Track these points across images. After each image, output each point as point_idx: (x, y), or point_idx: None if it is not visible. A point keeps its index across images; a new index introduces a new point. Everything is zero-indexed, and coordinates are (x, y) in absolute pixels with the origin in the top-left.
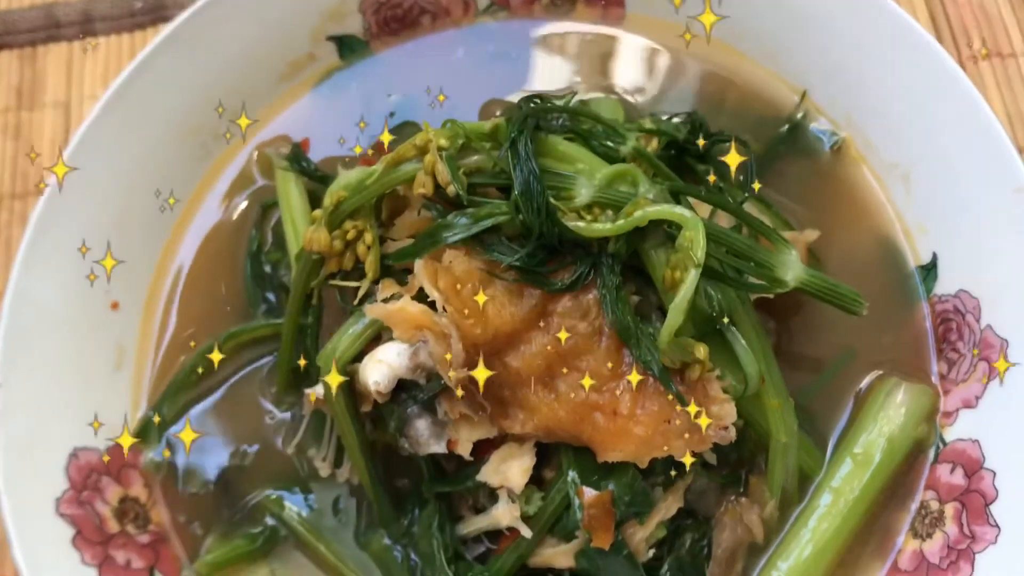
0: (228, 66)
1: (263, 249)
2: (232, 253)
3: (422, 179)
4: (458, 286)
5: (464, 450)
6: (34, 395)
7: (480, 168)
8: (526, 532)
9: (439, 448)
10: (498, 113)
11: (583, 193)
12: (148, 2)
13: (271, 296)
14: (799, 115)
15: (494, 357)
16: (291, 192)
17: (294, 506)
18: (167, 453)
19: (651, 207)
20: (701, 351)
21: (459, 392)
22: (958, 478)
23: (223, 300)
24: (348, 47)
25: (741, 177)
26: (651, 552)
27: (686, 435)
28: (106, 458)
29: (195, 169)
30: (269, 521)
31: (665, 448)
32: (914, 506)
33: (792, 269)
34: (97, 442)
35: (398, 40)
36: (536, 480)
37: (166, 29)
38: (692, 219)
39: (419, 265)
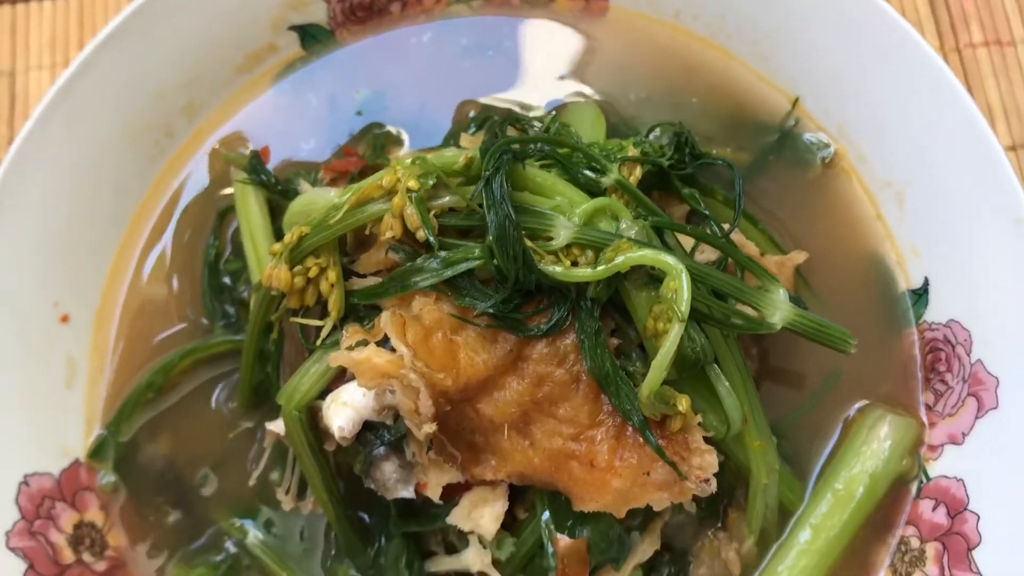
0: (182, 58)
1: (221, 258)
2: (189, 261)
3: (389, 222)
4: (428, 336)
5: (434, 494)
6: None
7: (453, 207)
8: None
9: (407, 493)
10: (472, 115)
11: (562, 234)
12: None
13: (230, 309)
14: (791, 123)
15: (466, 404)
16: (250, 206)
17: (257, 533)
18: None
19: (633, 252)
20: (683, 403)
21: (426, 445)
22: (940, 517)
23: (180, 313)
24: (311, 37)
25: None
26: None
27: (665, 488)
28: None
29: (147, 170)
30: (231, 548)
31: (643, 499)
32: (894, 541)
33: (780, 309)
34: (50, 466)
35: (365, 31)
36: (508, 518)
37: (113, 20)
38: (676, 268)
39: (386, 317)
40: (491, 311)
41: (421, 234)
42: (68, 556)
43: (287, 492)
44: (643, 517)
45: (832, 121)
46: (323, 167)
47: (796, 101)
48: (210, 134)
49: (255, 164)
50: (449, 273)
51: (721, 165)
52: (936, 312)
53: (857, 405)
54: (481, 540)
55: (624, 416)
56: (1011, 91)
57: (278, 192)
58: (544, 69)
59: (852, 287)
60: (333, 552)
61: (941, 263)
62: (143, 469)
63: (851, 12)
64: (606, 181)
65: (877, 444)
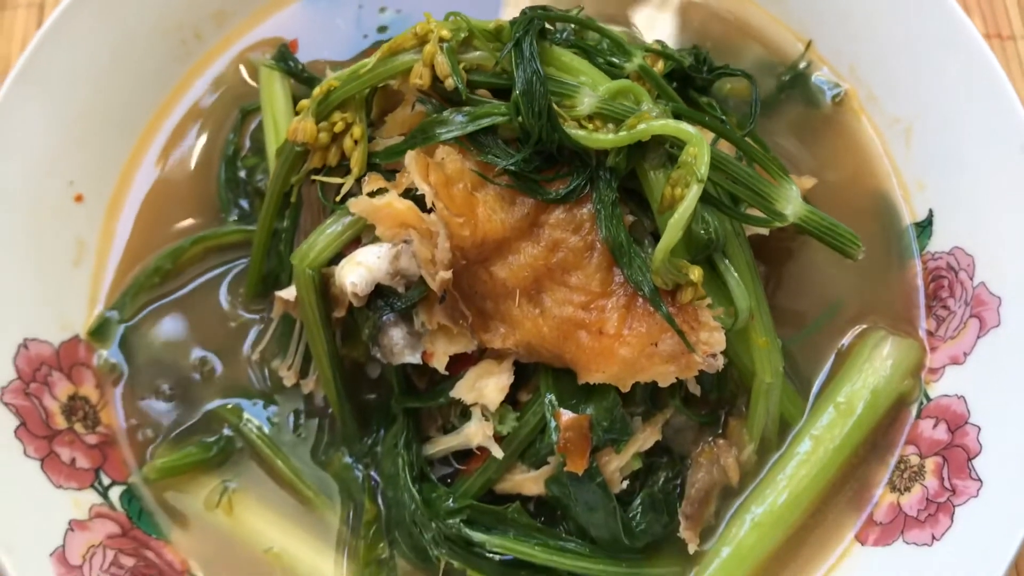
0: None
1: (239, 154)
2: (207, 157)
3: (419, 70)
4: (449, 184)
5: (439, 363)
6: None
7: (481, 66)
8: (497, 452)
9: (413, 358)
10: None
11: (586, 102)
12: None
13: (244, 203)
14: (802, 64)
15: (480, 265)
16: (275, 90)
17: (253, 417)
18: (122, 355)
19: (655, 121)
20: (695, 273)
21: (439, 297)
22: (941, 433)
23: (193, 203)
24: None
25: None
26: (624, 484)
27: (672, 360)
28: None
29: (175, 68)
30: (225, 432)
31: (650, 372)
32: (893, 460)
33: (792, 203)
34: (50, 335)
35: None
36: (511, 402)
37: None
38: (696, 135)
39: (410, 156)
40: (512, 168)
41: (450, 82)
42: (60, 422)
43: (289, 367)
44: (646, 407)
45: (843, 62)
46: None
47: (809, 43)
48: (237, 41)
49: (283, 52)
50: (473, 127)
51: (737, 81)
52: (939, 242)
53: (859, 328)
54: (484, 412)
55: (636, 286)
56: (1012, 85)
57: (304, 80)
58: (567, 4)
59: (858, 221)
60: (326, 442)
61: (946, 194)
62: (143, 351)
63: None
64: (630, 67)
65: (879, 362)
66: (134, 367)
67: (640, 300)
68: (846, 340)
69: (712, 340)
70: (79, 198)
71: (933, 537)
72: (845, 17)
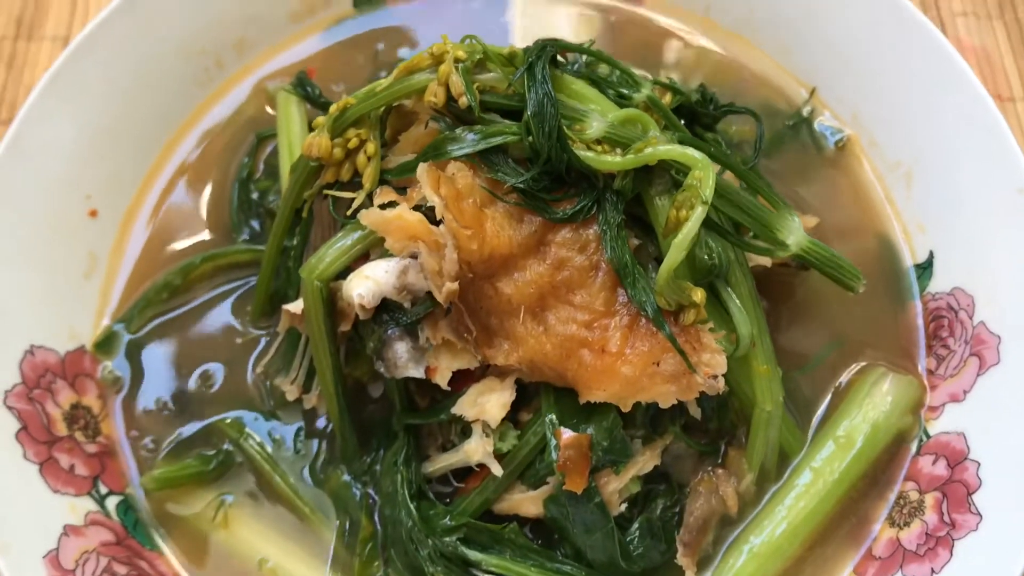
0: None
1: (253, 177)
2: (221, 179)
3: (434, 88)
4: (459, 198)
5: (443, 379)
6: None
7: (493, 88)
8: (496, 469)
9: (416, 372)
10: None
11: (595, 126)
12: None
13: (255, 224)
14: (806, 110)
15: (486, 281)
16: (291, 114)
17: (253, 433)
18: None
19: (662, 146)
20: (698, 294)
21: (445, 308)
22: (940, 469)
23: (205, 223)
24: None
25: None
26: (623, 507)
27: (673, 380)
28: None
29: (195, 92)
30: (225, 446)
31: (651, 391)
32: (892, 496)
33: (794, 234)
34: (57, 344)
35: None
36: (512, 422)
37: None
38: (702, 159)
39: (422, 168)
40: (521, 187)
41: (463, 100)
42: (61, 429)
43: (292, 381)
44: (645, 431)
45: (846, 109)
46: None
47: (813, 91)
48: (256, 70)
49: (302, 78)
50: (484, 144)
51: (743, 122)
52: (940, 283)
53: (859, 365)
54: (485, 429)
55: (639, 306)
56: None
57: (320, 105)
58: (579, 40)
59: (859, 262)
60: (326, 460)
61: (946, 236)
62: (147, 365)
63: (868, 7)
64: (638, 97)
65: (879, 398)
66: (138, 380)
67: (643, 320)
68: (846, 377)
69: (714, 362)
70: (94, 213)
71: (932, 571)
72: (848, 66)
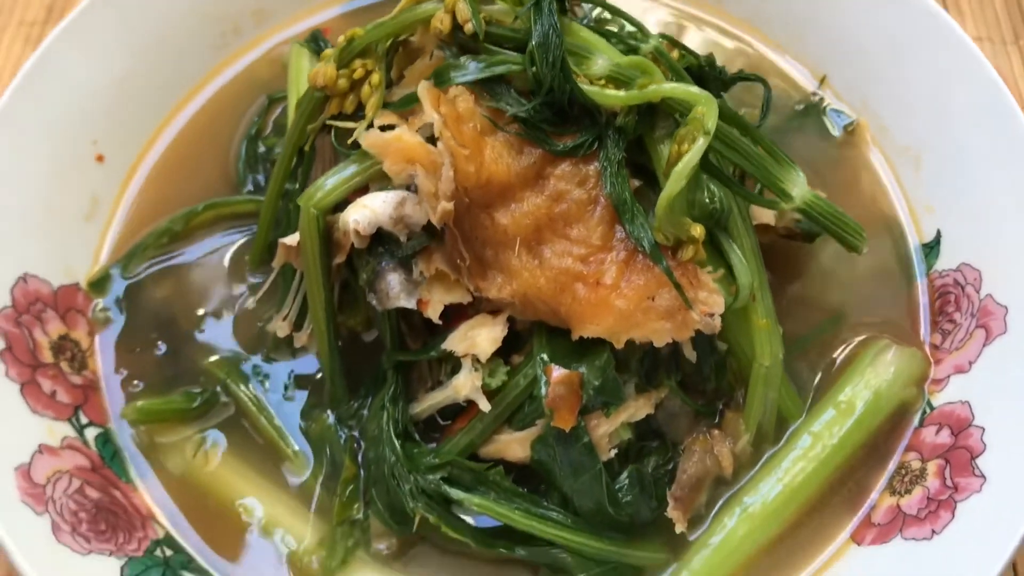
0: None
1: (261, 134)
2: (229, 137)
3: (440, 16)
4: (459, 121)
5: (434, 312)
6: None
7: (499, 20)
8: (484, 405)
9: (408, 303)
10: None
11: (600, 63)
12: None
13: (260, 179)
14: (816, 97)
15: (483, 210)
16: (302, 67)
17: (241, 374)
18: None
19: (666, 84)
20: (697, 229)
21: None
22: (944, 437)
23: (210, 176)
24: None
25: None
26: (612, 452)
27: (668, 316)
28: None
29: (210, 55)
30: (212, 385)
31: (645, 328)
32: (893, 466)
33: (798, 186)
34: (51, 277)
35: None
36: (504, 362)
37: None
38: (705, 96)
39: (422, 87)
40: (523, 116)
41: (469, 27)
42: (47, 356)
43: (284, 318)
44: (639, 380)
45: (855, 96)
46: None
47: (823, 79)
48: (272, 38)
49: (316, 35)
50: (488, 72)
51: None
52: (947, 260)
53: (862, 337)
54: (474, 363)
55: (636, 241)
56: None
57: None
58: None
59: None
60: (312, 403)
61: (954, 215)
62: (140, 306)
63: None
64: (645, 48)
65: (883, 367)
66: (130, 320)
67: (640, 256)
68: (849, 348)
69: (710, 300)
70: (100, 158)
71: (933, 531)
72: (858, 53)
